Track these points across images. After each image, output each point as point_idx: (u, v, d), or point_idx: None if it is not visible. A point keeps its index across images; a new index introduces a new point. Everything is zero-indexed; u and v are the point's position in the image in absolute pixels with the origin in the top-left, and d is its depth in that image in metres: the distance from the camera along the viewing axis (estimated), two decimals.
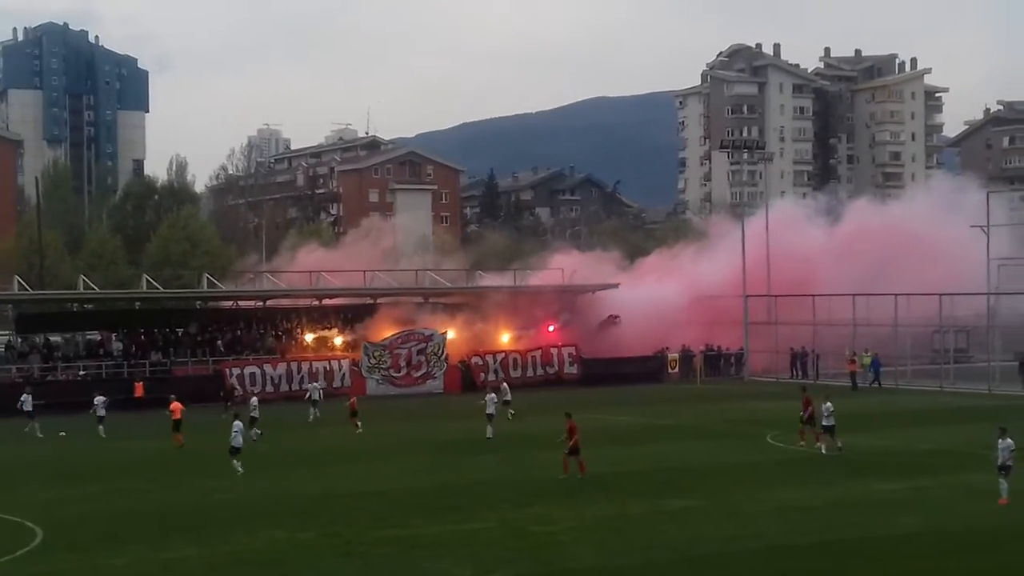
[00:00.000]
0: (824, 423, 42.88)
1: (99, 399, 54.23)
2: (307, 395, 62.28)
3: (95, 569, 26.95)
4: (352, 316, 79.39)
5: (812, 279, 79.54)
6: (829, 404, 42.94)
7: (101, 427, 53.15)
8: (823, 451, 42.78)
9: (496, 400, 51.31)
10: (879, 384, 73.10)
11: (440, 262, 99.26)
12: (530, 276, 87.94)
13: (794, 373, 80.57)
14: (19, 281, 78.01)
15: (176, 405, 49.78)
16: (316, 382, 65.34)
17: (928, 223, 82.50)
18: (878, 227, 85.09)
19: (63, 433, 54.16)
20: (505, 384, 60.82)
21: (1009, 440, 32.49)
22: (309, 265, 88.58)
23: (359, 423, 53.69)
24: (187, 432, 49.50)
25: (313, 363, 73.18)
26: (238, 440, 40.68)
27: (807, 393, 46.62)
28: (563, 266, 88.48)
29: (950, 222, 79.90)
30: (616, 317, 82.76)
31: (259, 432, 50.15)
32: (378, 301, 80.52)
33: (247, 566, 26.95)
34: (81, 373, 71.20)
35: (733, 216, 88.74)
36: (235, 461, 40.46)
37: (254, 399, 54.30)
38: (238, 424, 41.28)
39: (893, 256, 79.39)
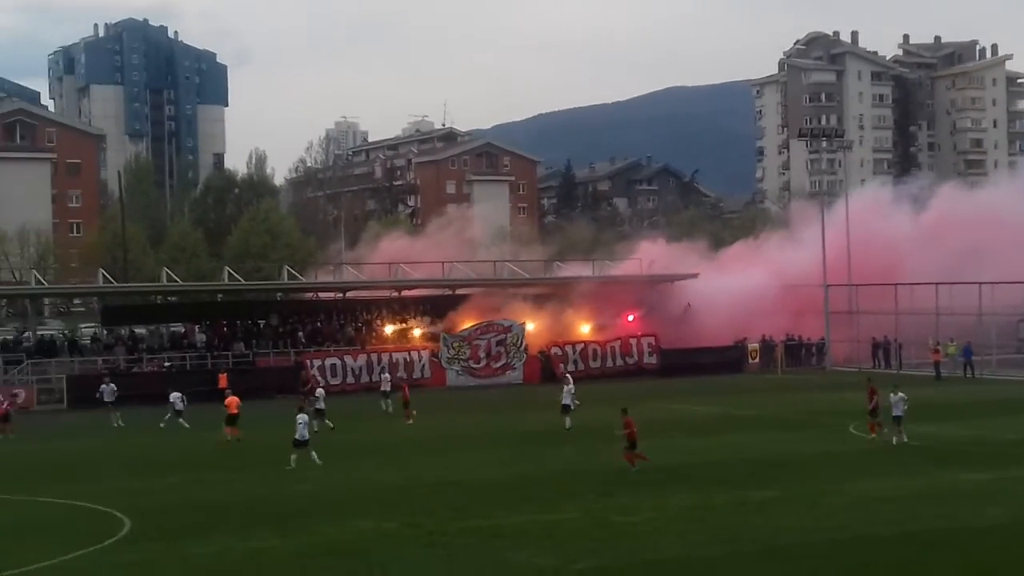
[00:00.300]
0: (894, 413, 42.54)
1: (175, 395, 54.60)
2: (380, 386, 62.19)
3: (183, 558, 27.28)
4: (431, 307, 79.68)
5: (898, 266, 78.55)
6: (902, 394, 42.70)
7: (182, 420, 53.62)
8: (893, 441, 42.38)
9: (573, 391, 51.08)
10: (973, 374, 72.00)
11: (518, 253, 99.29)
12: (609, 266, 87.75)
13: (876, 363, 79.85)
14: (104, 274, 79.10)
15: (232, 399, 49.27)
16: (386, 374, 65.22)
17: (1016, 209, 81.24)
18: (965, 213, 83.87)
19: (121, 424, 55.23)
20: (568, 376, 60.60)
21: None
22: (392, 254, 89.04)
23: (413, 413, 53.81)
24: (269, 424, 49.97)
25: (393, 354, 73.54)
26: (303, 433, 40.79)
27: (872, 383, 46.23)
28: (649, 255, 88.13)
29: None
30: (688, 305, 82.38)
31: (330, 425, 50.38)
32: (457, 291, 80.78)
33: (333, 556, 27.15)
34: (167, 365, 72.06)
35: (815, 204, 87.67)
36: (312, 452, 40.56)
37: (320, 390, 54.22)
38: (303, 417, 41.26)
39: (980, 243, 78.21)
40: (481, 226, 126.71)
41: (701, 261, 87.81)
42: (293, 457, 40.40)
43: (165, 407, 54.97)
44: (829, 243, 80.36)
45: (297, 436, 40.64)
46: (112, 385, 58.73)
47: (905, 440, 42.10)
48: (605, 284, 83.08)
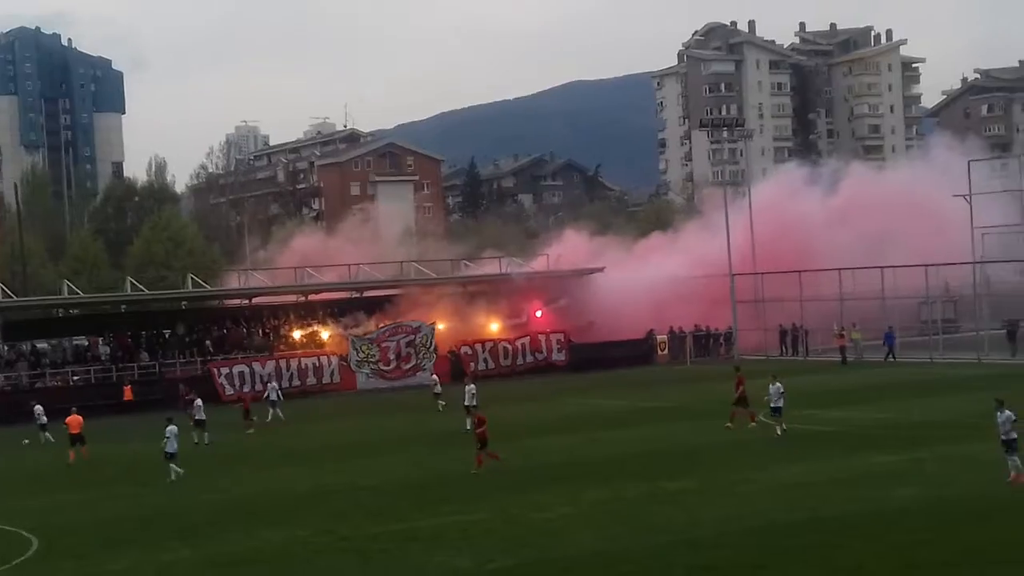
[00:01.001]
0: (772, 405, 42.47)
1: (38, 408, 53.84)
2: (265, 395, 60.80)
3: (93, 575, 26.78)
4: (339, 310, 79.20)
5: (809, 251, 79.07)
6: (778, 385, 42.62)
7: (47, 433, 52.51)
8: (778, 432, 42.01)
9: (474, 392, 49.74)
10: (894, 357, 72.39)
11: (424, 252, 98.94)
12: (516, 263, 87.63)
13: (783, 350, 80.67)
14: (2, 288, 77.56)
15: (74, 418, 46.88)
16: (272, 383, 63.59)
17: (921, 190, 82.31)
18: (874, 196, 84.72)
19: (26, 441, 53.76)
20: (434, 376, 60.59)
21: (1008, 412, 30.98)
22: (298, 258, 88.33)
23: (253, 420, 53.71)
24: (184, 431, 49.23)
25: (302, 359, 72.98)
26: (171, 445, 39.93)
27: (740, 373, 46.50)
28: (570, 247, 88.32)
29: (936, 190, 79.79)
30: (591, 322, 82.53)
31: (208, 438, 49.69)
32: (365, 294, 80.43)
33: (244, 566, 26.81)
34: (74, 379, 70.87)
35: (730, 193, 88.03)
36: (172, 465, 39.88)
37: (198, 401, 52.09)
38: (172, 429, 40.34)
39: (888, 225, 79.15)
40: (387, 226, 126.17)
41: (620, 253, 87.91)
42: (172, 467, 39.80)
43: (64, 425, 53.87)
44: (741, 230, 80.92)
45: (168, 449, 39.86)
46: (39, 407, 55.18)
47: (784, 429, 41.96)
48: (512, 281, 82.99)
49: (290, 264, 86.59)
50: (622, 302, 79.77)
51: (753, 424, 44.53)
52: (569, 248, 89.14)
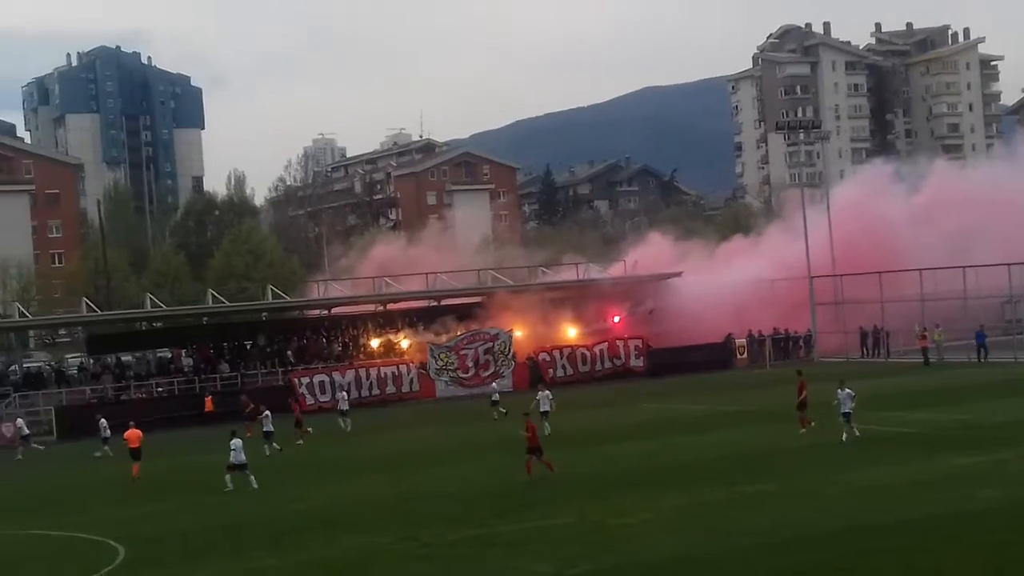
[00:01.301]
0: (843, 410, 41.31)
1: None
2: (337, 405, 61.06)
3: None
4: (417, 319, 79.58)
5: (894, 250, 78.26)
6: (848, 390, 41.51)
7: (107, 448, 54.18)
8: (844, 439, 40.88)
9: (551, 397, 50.43)
10: (986, 357, 70.91)
11: (501, 260, 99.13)
12: (592, 269, 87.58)
13: (864, 352, 80.00)
14: (87, 303, 78.89)
15: (133, 432, 46.63)
16: (342, 392, 64.33)
17: (1008, 187, 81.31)
18: (958, 193, 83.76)
19: (97, 454, 54.81)
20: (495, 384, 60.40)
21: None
22: (377, 264, 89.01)
23: (308, 431, 54.33)
24: (258, 444, 49.72)
25: (381, 368, 73.45)
26: (238, 457, 40.28)
27: (802, 377, 45.78)
28: (657, 251, 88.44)
29: (1021, 186, 78.84)
30: (652, 310, 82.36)
31: (278, 447, 50.13)
32: (443, 302, 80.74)
33: (328, 573, 27.05)
34: (158, 391, 71.86)
35: (812, 194, 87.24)
36: (227, 476, 40.31)
37: (267, 412, 52.10)
38: (236, 442, 40.70)
39: (974, 223, 78.22)
40: (463, 235, 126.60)
41: (702, 257, 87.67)
42: (228, 478, 40.32)
43: (154, 433, 54.69)
44: (821, 232, 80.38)
45: (233, 460, 40.31)
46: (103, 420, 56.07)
47: (857, 435, 41.03)
48: (590, 287, 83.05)
49: (369, 274, 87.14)
50: (702, 306, 79.48)
51: (804, 430, 43.90)
52: (652, 252, 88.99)
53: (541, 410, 49.07)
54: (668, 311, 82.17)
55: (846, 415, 41.44)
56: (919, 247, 77.39)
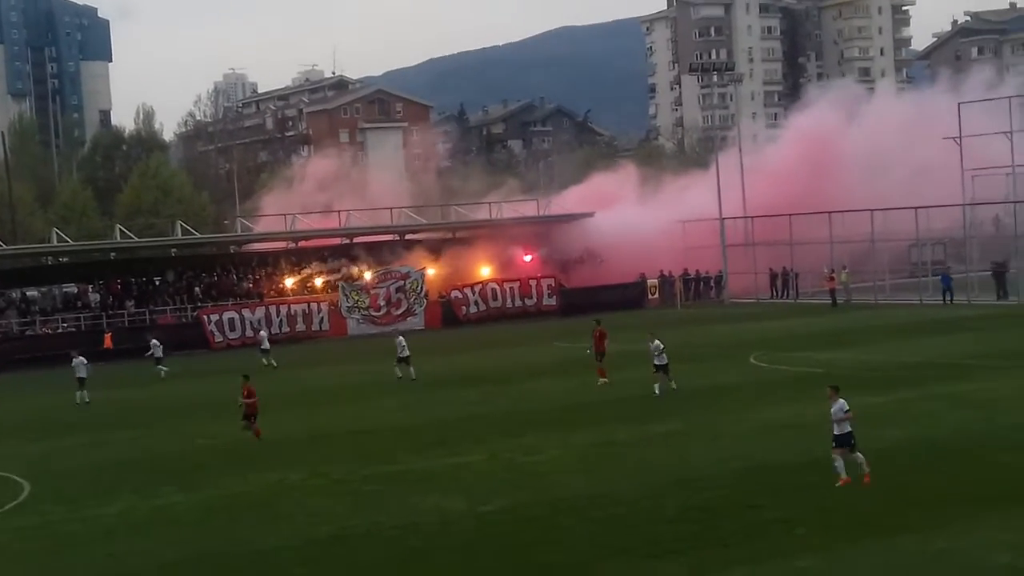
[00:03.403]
0: (656, 362, 39.72)
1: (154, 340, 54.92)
2: (259, 344, 60.04)
3: (84, 520, 26.87)
4: (329, 256, 79.20)
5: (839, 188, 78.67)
6: (658, 342, 39.90)
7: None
8: (656, 391, 39.37)
9: (405, 343, 48.96)
10: (952, 299, 69.73)
11: (414, 199, 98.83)
12: (505, 208, 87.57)
13: (774, 293, 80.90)
14: None
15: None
16: (263, 331, 63.32)
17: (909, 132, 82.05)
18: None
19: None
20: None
21: (841, 401, 25.54)
22: (286, 204, 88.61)
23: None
24: (168, 379, 49.31)
25: (292, 306, 73.02)
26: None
27: (600, 327, 44.73)
28: (601, 186, 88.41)
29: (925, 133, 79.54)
30: (582, 257, 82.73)
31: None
32: (354, 240, 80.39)
33: (238, 509, 26.90)
34: (64, 326, 70.86)
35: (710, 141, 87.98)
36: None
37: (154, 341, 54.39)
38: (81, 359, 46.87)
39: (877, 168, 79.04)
40: (376, 173, 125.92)
41: (644, 193, 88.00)
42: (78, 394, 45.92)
43: (61, 368, 53.86)
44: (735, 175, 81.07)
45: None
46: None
47: (674, 387, 39.73)
48: (503, 226, 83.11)
49: (308, 192, 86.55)
50: (614, 246, 79.78)
51: (604, 380, 42.82)
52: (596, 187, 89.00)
53: (400, 356, 48.34)
54: (578, 250, 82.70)
55: (659, 367, 39.73)
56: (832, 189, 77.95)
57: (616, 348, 47.75)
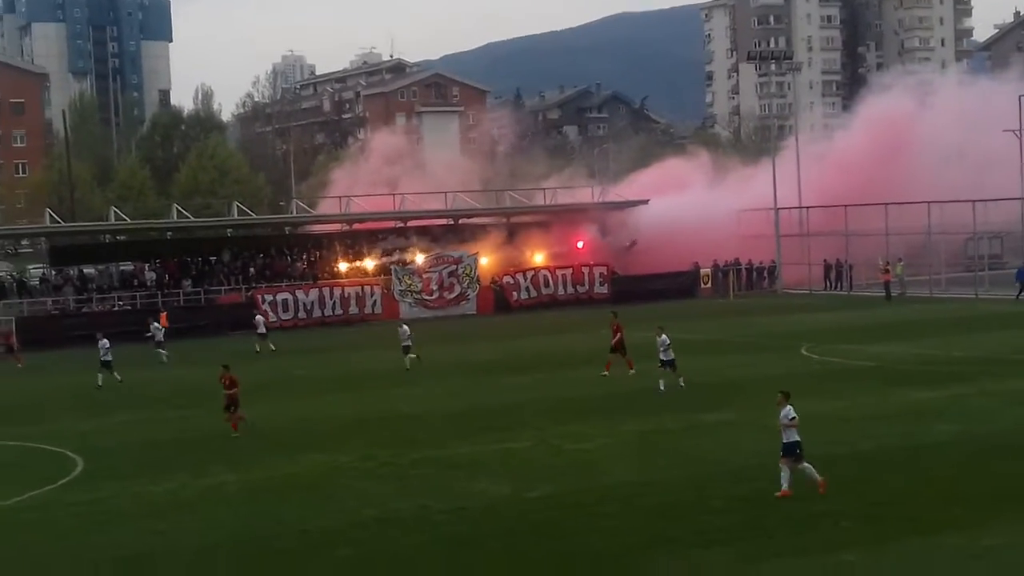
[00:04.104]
0: (662, 357, 38.80)
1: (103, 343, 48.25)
2: (256, 329, 59.25)
3: (135, 496, 27.15)
4: (382, 239, 79.49)
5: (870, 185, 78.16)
6: (664, 337, 38.86)
7: (113, 372, 48.31)
8: (661, 387, 38.39)
9: (409, 333, 48.68)
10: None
11: (470, 183, 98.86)
12: (560, 194, 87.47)
13: (827, 284, 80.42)
14: (50, 214, 78.46)
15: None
16: (259, 316, 61.91)
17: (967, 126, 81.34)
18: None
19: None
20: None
21: (788, 407, 24.52)
22: (345, 186, 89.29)
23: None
24: (222, 359, 49.54)
25: (345, 288, 73.35)
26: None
27: (616, 319, 43.84)
28: (670, 171, 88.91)
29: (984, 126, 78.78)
30: (633, 243, 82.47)
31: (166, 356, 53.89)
32: (409, 223, 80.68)
33: (287, 490, 27.10)
34: (120, 304, 71.52)
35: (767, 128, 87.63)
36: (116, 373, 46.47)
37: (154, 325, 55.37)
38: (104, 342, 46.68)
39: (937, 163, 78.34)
40: (432, 156, 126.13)
41: (710, 180, 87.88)
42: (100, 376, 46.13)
43: (117, 346, 54.30)
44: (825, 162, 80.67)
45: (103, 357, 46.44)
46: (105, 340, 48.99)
47: (682, 385, 38.76)
48: (557, 212, 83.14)
49: (336, 193, 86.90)
50: (668, 234, 79.40)
51: (632, 371, 42.06)
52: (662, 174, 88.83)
53: (402, 344, 48.03)
54: (637, 239, 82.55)
55: (665, 363, 38.82)
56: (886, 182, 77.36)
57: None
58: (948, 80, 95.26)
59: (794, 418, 24.33)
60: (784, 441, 24.33)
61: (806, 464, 24.22)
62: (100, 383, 46.59)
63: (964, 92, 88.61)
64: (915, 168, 78.83)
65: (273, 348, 56.90)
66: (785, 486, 24.02)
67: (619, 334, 43.05)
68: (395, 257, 76.96)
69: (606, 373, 42.35)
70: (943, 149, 79.62)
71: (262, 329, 58.31)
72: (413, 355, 47.99)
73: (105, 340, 47.58)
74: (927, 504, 23.26)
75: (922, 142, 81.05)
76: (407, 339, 48.19)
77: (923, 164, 79.05)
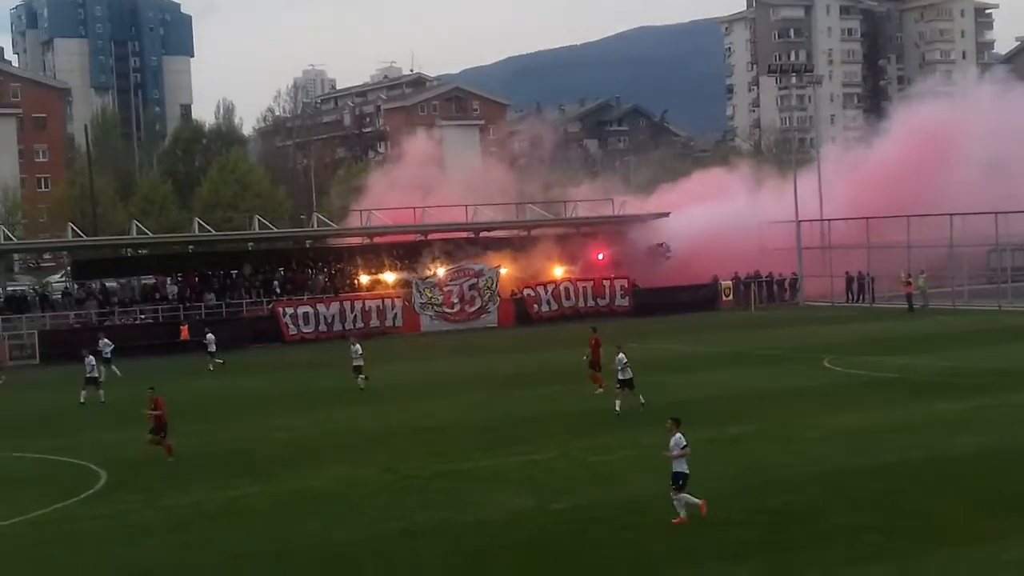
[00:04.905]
0: (620, 376, 37.70)
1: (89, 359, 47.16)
2: (207, 347, 58.29)
3: (158, 509, 27.22)
4: (403, 253, 79.51)
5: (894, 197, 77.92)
6: (622, 355, 37.77)
7: (99, 391, 47.53)
8: (616, 408, 37.23)
9: (361, 351, 47.04)
10: None
11: (490, 196, 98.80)
12: (580, 207, 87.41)
13: (850, 297, 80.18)
14: (73, 228, 78.69)
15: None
16: (210, 335, 59.61)
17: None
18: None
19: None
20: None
21: (678, 435, 24.08)
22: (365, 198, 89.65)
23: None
24: (243, 373, 49.76)
25: (366, 301, 73.42)
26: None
27: (596, 334, 43.17)
28: (702, 184, 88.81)
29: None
30: (664, 247, 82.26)
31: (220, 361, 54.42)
32: (429, 236, 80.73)
33: (310, 502, 27.14)
34: (141, 317, 71.73)
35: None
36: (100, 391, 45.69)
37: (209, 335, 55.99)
38: (91, 359, 46.32)
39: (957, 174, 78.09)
40: (452, 170, 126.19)
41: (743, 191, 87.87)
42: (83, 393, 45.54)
43: (138, 359, 54.59)
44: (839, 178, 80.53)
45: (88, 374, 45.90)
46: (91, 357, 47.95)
47: (642, 403, 37.46)
48: (577, 225, 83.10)
49: (370, 198, 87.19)
50: (690, 247, 79.26)
51: (600, 390, 40.93)
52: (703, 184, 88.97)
53: (353, 364, 46.79)
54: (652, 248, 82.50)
55: (622, 383, 37.60)
56: (909, 194, 77.06)
57: (689, 350, 47.68)
58: (985, 90, 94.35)
59: (685, 446, 23.77)
60: (674, 470, 23.69)
61: (682, 495, 23.49)
62: (83, 399, 45.81)
63: (1005, 103, 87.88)
64: (949, 179, 78.17)
65: (222, 362, 56.83)
66: (682, 513, 23.46)
67: (597, 350, 42.35)
68: (416, 271, 76.85)
69: (600, 390, 41.26)
70: (984, 159, 79.16)
71: (212, 347, 57.86)
72: (363, 376, 46.52)
73: (91, 357, 47.14)
74: (950, 517, 23.17)
75: (960, 153, 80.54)
76: (359, 358, 46.61)
77: (959, 175, 78.39)
